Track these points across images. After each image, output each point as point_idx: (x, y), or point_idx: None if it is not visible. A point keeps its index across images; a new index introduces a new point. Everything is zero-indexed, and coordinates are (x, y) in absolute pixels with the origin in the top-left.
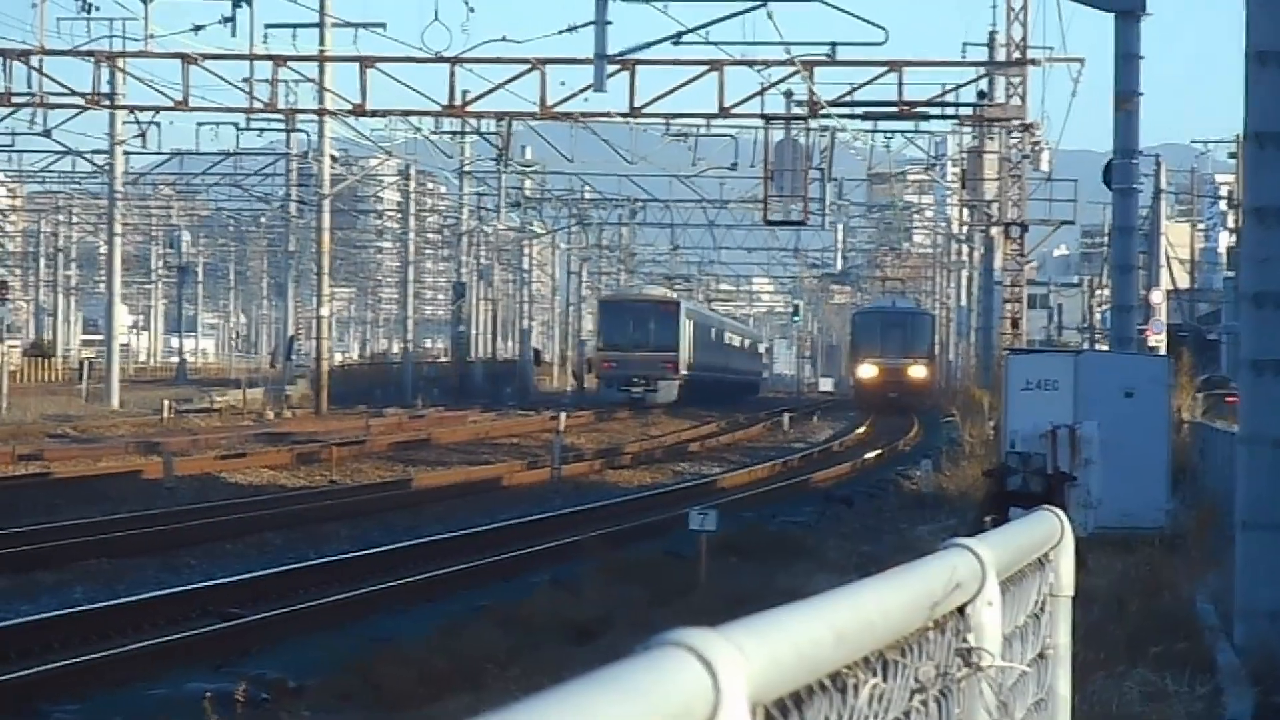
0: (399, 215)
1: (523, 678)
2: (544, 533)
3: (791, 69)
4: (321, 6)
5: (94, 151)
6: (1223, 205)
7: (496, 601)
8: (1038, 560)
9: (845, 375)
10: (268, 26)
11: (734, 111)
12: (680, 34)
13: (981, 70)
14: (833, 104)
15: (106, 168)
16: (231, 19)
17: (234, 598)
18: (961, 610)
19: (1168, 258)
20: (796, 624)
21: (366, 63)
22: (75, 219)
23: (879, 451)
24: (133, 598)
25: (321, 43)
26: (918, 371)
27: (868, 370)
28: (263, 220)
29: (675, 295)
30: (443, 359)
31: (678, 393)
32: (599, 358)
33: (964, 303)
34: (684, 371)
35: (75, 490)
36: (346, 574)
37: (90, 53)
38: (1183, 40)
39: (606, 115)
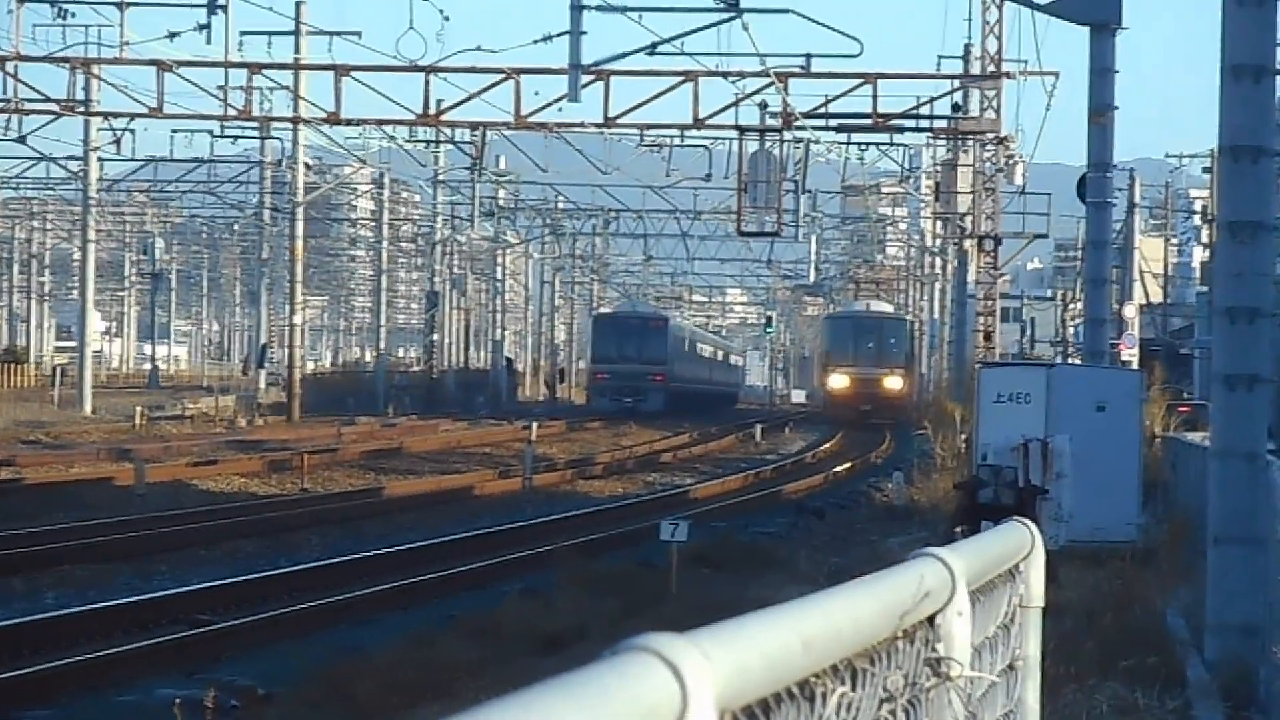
0: (373, 224)
1: (492, 687)
2: (515, 542)
3: (766, 80)
4: (297, 14)
5: (68, 158)
6: (1197, 220)
7: (467, 611)
8: (1008, 571)
9: (816, 386)
10: (243, 34)
11: (708, 123)
12: (655, 45)
13: (956, 83)
14: (807, 115)
15: (81, 174)
16: (206, 26)
17: (205, 604)
18: (931, 620)
19: (1141, 272)
20: (764, 631)
21: (341, 71)
22: (49, 225)
23: (851, 464)
24: (103, 604)
25: (296, 50)
26: (893, 383)
27: (839, 381)
28: (236, 228)
29: (664, 313)
30: (415, 368)
31: (665, 403)
32: (592, 370)
33: (937, 316)
34: (671, 384)
35: (47, 496)
36: (317, 582)
37: (65, 59)
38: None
39: (581, 125)
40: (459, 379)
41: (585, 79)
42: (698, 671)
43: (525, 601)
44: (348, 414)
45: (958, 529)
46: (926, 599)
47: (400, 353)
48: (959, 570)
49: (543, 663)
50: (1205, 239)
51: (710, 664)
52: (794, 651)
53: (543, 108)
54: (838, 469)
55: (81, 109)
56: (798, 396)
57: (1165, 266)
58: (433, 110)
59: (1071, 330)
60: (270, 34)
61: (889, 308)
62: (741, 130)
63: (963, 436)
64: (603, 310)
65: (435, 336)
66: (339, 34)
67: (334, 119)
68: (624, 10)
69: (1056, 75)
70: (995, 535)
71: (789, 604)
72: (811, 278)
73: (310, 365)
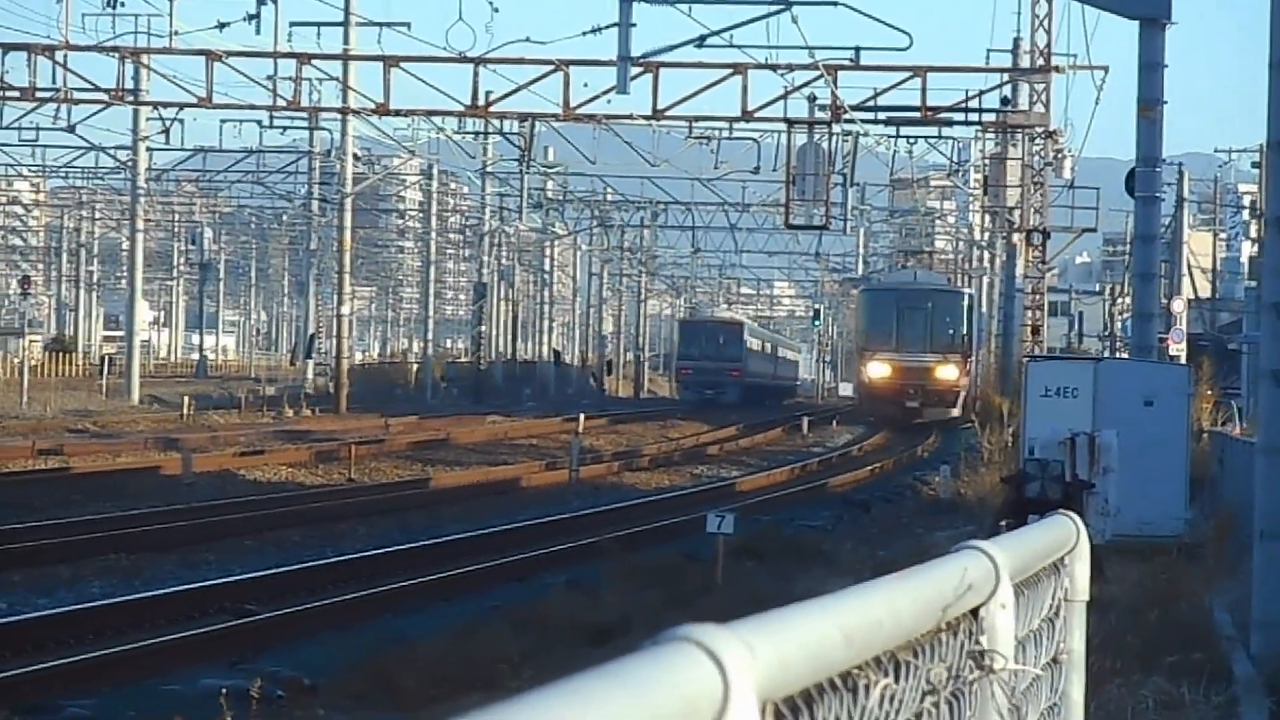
0: (421, 215)
1: (536, 678)
2: (561, 534)
3: (815, 73)
4: (346, 5)
5: (117, 147)
6: (1245, 215)
7: (512, 602)
8: (1053, 565)
9: (853, 376)
10: (292, 24)
11: (757, 115)
12: (704, 37)
13: (1005, 77)
14: (856, 108)
15: (130, 164)
16: (256, 16)
17: (251, 594)
18: (975, 613)
19: (1189, 266)
20: (806, 623)
21: (390, 62)
22: (98, 215)
23: (897, 457)
24: (149, 593)
25: (346, 41)
26: (947, 372)
27: (879, 370)
28: (285, 218)
29: (740, 317)
30: (463, 359)
31: (740, 394)
32: (678, 366)
33: (985, 309)
34: (745, 378)
35: (94, 486)
36: (363, 572)
37: (115, 49)
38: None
39: (629, 117)
40: (506, 370)
41: (634, 71)
42: (739, 662)
43: (570, 593)
44: (394, 404)
45: (1002, 523)
46: (969, 592)
47: (448, 344)
48: (1002, 563)
49: (587, 654)
50: (1254, 234)
51: (752, 655)
52: (836, 643)
53: (591, 99)
54: (884, 462)
55: (131, 99)
56: (845, 389)
57: (1214, 261)
58: (481, 102)
59: (1119, 325)
60: (319, 25)
61: (941, 278)
62: (790, 123)
63: (1010, 430)
64: (688, 316)
65: (483, 328)
66: (388, 25)
67: (383, 110)
68: (673, 2)
69: (1106, 69)
70: (1040, 529)
71: (831, 596)
72: (859, 271)
73: (358, 356)
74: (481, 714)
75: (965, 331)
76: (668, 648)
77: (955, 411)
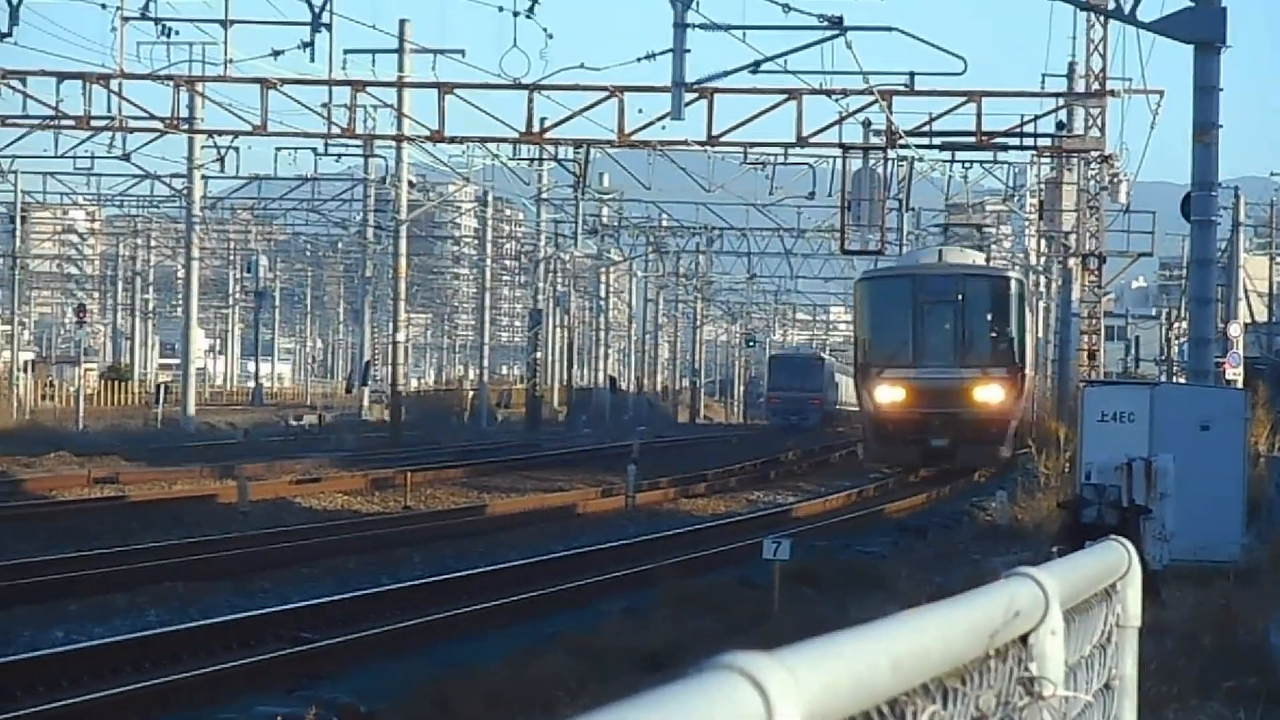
0: (476, 241)
1: (592, 705)
2: (617, 560)
3: (870, 98)
4: (401, 32)
5: (172, 175)
6: None
7: (569, 629)
8: (1104, 590)
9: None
10: (346, 52)
11: (812, 140)
12: (758, 63)
13: (1060, 101)
14: (911, 134)
15: (185, 192)
16: (310, 44)
17: (307, 622)
18: (1024, 639)
19: (1246, 290)
20: (852, 650)
21: (445, 89)
22: (153, 243)
23: (954, 484)
24: (205, 621)
25: (400, 68)
26: (989, 393)
27: (889, 394)
28: (340, 245)
29: (822, 353)
30: (518, 385)
31: (820, 420)
32: (769, 395)
33: (1041, 334)
34: (825, 406)
35: (149, 513)
36: (420, 600)
37: (169, 77)
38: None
39: (684, 143)
40: (562, 397)
41: (688, 97)
42: (784, 690)
43: (627, 620)
44: (450, 432)
45: (1054, 549)
46: (1018, 618)
47: (503, 370)
48: (1052, 589)
49: (642, 681)
50: None
51: (797, 683)
52: (882, 670)
53: (646, 125)
54: (941, 488)
55: (186, 127)
56: None
57: (1270, 285)
58: (536, 128)
59: (1176, 349)
60: (374, 52)
61: (979, 256)
62: (845, 148)
63: (1066, 455)
64: (778, 352)
65: (538, 355)
66: (443, 52)
67: (437, 137)
68: (727, 29)
69: (1161, 93)
70: (1091, 554)
71: (878, 623)
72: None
73: (414, 383)
74: None
75: (1016, 334)
76: (712, 675)
77: (1004, 451)
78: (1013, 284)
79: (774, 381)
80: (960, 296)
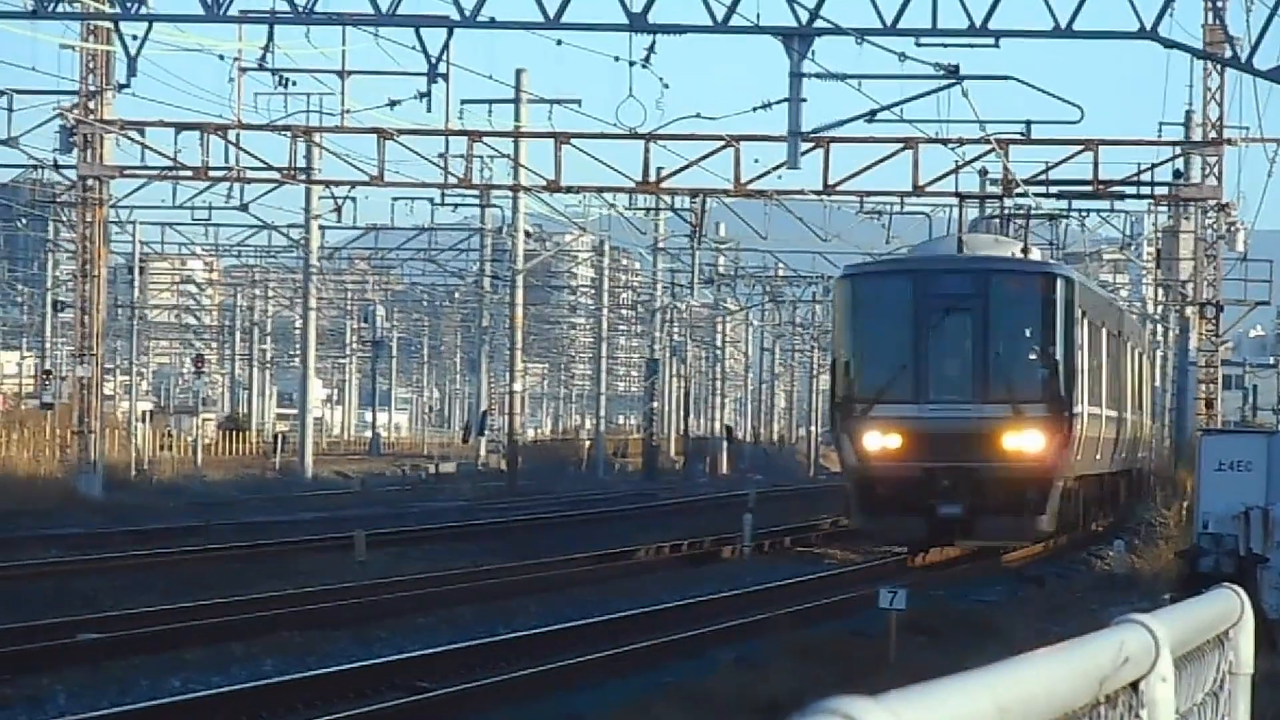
0: (593, 291)
1: None
2: (731, 610)
3: (986, 147)
4: (517, 83)
5: (290, 226)
6: None
7: (684, 679)
8: (1217, 638)
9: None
10: (463, 102)
11: (928, 189)
12: (874, 112)
13: (1177, 150)
14: (1028, 182)
15: (302, 242)
16: (427, 95)
17: (424, 671)
18: (1134, 686)
19: None
20: (957, 696)
21: (561, 138)
22: (271, 293)
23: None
24: (322, 670)
25: (517, 118)
26: (1023, 440)
27: (882, 442)
28: (456, 295)
29: None
30: (635, 435)
31: None
32: None
33: (1159, 383)
34: None
35: (266, 563)
36: (535, 649)
37: (287, 128)
38: None
39: (800, 192)
40: (678, 446)
41: (804, 146)
42: None
43: (740, 670)
44: (566, 482)
45: (1168, 596)
46: (1127, 664)
47: (620, 420)
48: (1162, 636)
49: None
50: None
51: None
52: (988, 716)
53: (762, 175)
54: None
55: (303, 177)
56: None
57: None
58: (652, 177)
59: None
60: (490, 102)
61: (1015, 246)
62: (962, 197)
63: (1184, 504)
64: None
65: (655, 404)
66: (559, 102)
67: (554, 186)
68: (843, 78)
69: (1278, 142)
70: (1203, 601)
71: (985, 668)
72: None
73: (530, 432)
74: None
75: (1063, 355)
76: None
77: (1044, 524)
78: (1059, 285)
79: None
80: (985, 299)
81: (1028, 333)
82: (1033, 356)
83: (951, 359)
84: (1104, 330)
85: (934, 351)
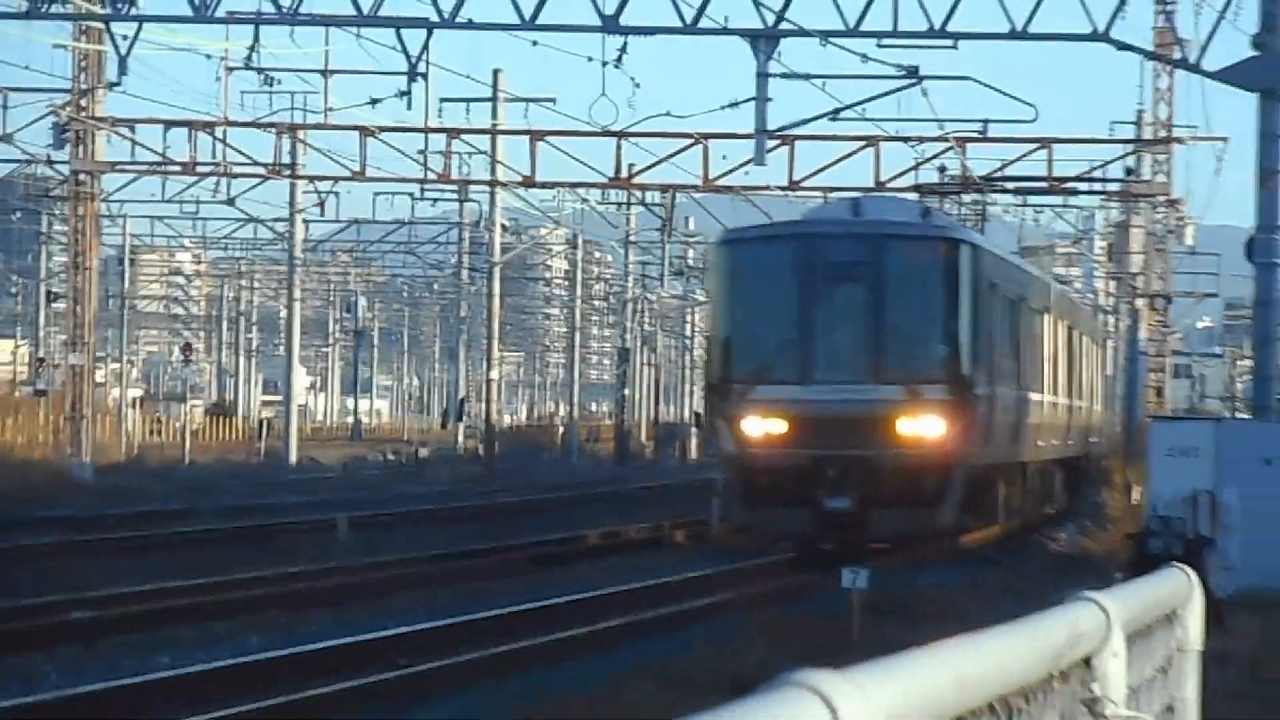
0: (566, 283)
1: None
2: (699, 590)
3: (945, 145)
4: (494, 82)
5: (275, 219)
6: None
7: (656, 656)
8: (1166, 616)
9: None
10: (442, 101)
11: (889, 185)
12: (837, 111)
13: (1129, 148)
14: (985, 178)
15: (286, 235)
16: (407, 93)
17: (404, 649)
18: (1087, 661)
19: None
20: (918, 669)
21: (536, 136)
22: (256, 284)
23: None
24: (306, 647)
25: (494, 116)
26: (922, 426)
27: (762, 426)
28: (435, 287)
29: None
30: (606, 421)
31: None
32: None
33: (1110, 372)
34: None
35: (253, 544)
36: (512, 627)
37: (272, 125)
38: None
39: (766, 188)
40: (649, 432)
41: (770, 143)
42: (851, 706)
43: (711, 648)
44: (541, 467)
45: (1118, 575)
46: (1081, 640)
47: (593, 407)
48: (1115, 613)
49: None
50: None
51: (865, 699)
52: (947, 689)
53: (730, 171)
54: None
55: (288, 173)
56: None
57: None
58: (624, 173)
59: (1240, 386)
60: (468, 101)
61: (910, 207)
62: (921, 192)
63: (1135, 488)
64: None
65: (626, 391)
66: (534, 101)
67: (529, 182)
68: (808, 78)
69: (1225, 140)
70: (1153, 581)
71: (944, 643)
72: None
73: (507, 419)
74: None
75: (968, 330)
76: (784, 691)
77: (944, 517)
78: (964, 251)
79: None
80: (877, 270)
81: (927, 305)
82: (932, 331)
83: (841, 335)
84: (1026, 306)
85: (821, 326)
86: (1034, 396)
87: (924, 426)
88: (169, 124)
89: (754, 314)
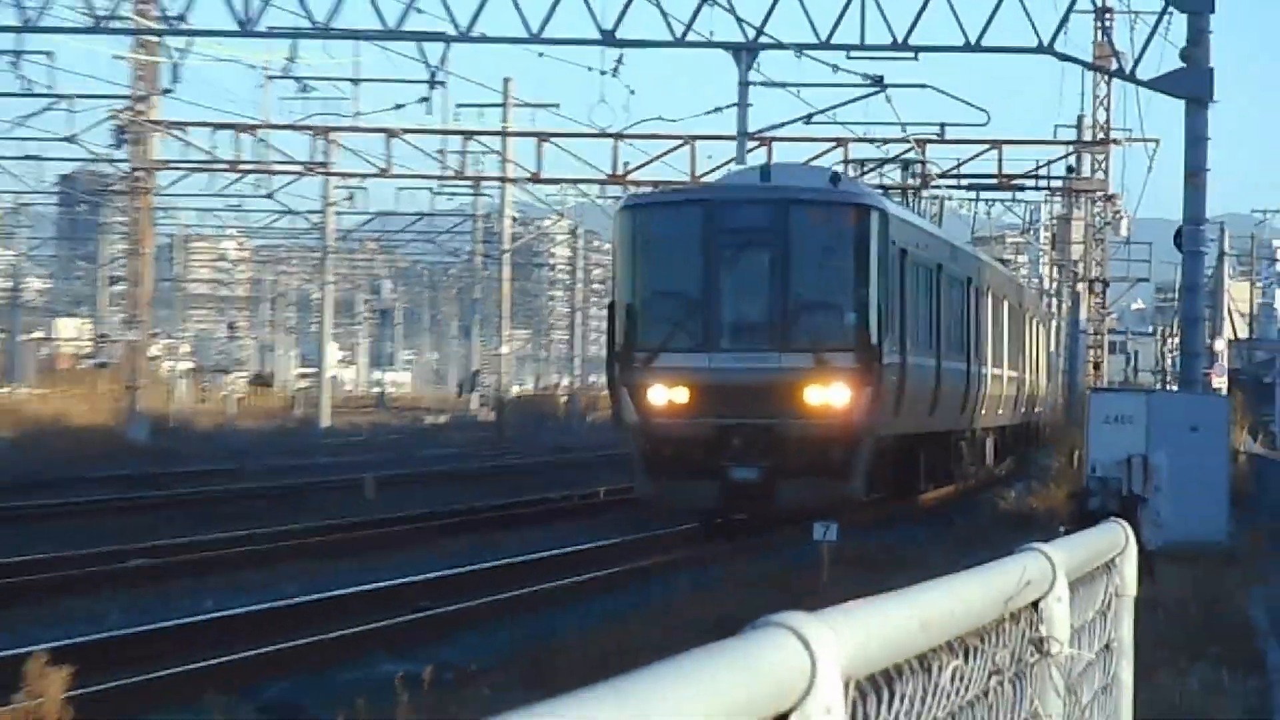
0: (569, 268)
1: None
2: (687, 542)
3: (906, 146)
4: (505, 89)
5: (310, 211)
6: (1278, 266)
7: (647, 601)
8: (1105, 565)
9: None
10: (458, 106)
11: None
12: (810, 115)
13: (1070, 148)
14: (942, 176)
15: (320, 226)
16: (427, 99)
17: (424, 593)
18: (1035, 604)
19: (1230, 311)
20: (886, 612)
21: (542, 137)
22: (293, 269)
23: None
24: (337, 591)
25: (504, 120)
26: (827, 394)
27: (666, 395)
28: (452, 272)
29: None
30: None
31: None
32: None
33: (1053, 349)
34: None
35: (288, 502)
36: (522, 574)
37: (308, 127)
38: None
39: None
40: None
41: (750, 144)
42: (826, 645)
43: (698, 594)
44: (546, 433)
45: (1062, 529)
46: (1029, 586)
47: (592, 379)
48: (1059, 562)
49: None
50: None
51: (838, 638)
52: (912, 630)
53: (714, 169)
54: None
55: (321, 170)
56: None
57: (1251, 306)
58: (620, 171)
59: (1169, 361)
60: (482, 106)
61: (820, 173)
62: (885, 189)
63: (1075, 453)
64: None
65: None
66: (541, 106)
67: (536, 179)
68: (784, 86)
69: (1157, 141)
70: (1093, 534)
71: (909, 589)
72: None
73: (515, 389)
74: (598, 688)
75: (878, 296)
76: (764, 632)
77: (853, 487)
78: (873, 217)
79: None
80: (784, 236)
81: (834, 272)
82: (840, 297)
83: (746, 302)
84: (948, 276)
85: (726, 293)
86: (960, 366)
87: (831, 395)
88: (216, 127)
89: (657, 281)
